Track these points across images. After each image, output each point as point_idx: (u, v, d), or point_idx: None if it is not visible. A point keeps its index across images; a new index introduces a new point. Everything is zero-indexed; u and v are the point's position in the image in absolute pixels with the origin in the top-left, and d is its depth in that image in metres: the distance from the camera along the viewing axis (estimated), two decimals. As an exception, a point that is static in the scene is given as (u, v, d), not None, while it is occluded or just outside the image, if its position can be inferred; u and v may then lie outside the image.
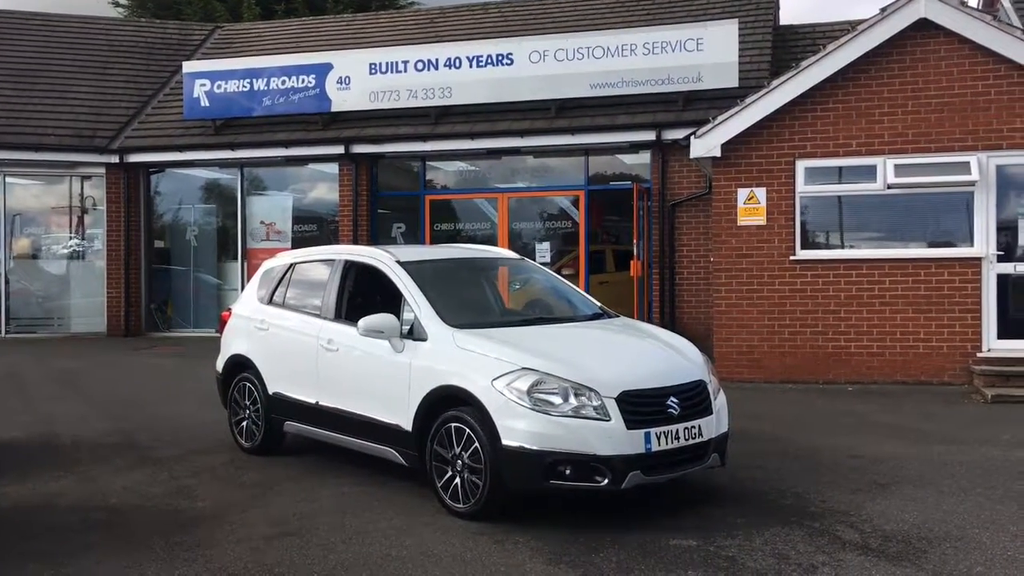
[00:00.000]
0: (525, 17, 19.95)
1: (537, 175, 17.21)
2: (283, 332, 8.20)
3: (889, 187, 11.61)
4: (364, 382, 7.26)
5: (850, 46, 11.57)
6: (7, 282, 18.58)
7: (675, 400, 6.26)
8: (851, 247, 12.05)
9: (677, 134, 14.49)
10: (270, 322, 8.38)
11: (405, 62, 16.53)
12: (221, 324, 9.21)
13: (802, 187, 12.03)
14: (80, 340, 17.83)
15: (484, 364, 6.34)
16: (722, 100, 14.09)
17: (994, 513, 6.35)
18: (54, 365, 14.44)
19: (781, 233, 12.07)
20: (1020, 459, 7.84)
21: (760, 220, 12.15)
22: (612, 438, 5.96)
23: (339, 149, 16.94)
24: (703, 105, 14.88)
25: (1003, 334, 11.33)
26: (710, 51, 14.87)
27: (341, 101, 16.92)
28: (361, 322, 6.99)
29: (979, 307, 11.34)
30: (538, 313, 8.36)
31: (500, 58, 16.00)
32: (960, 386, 11.23)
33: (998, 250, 11.36)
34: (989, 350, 11.32)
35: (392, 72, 16.59)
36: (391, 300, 7.23)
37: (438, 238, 16.84)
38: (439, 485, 6.50)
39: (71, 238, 19.14)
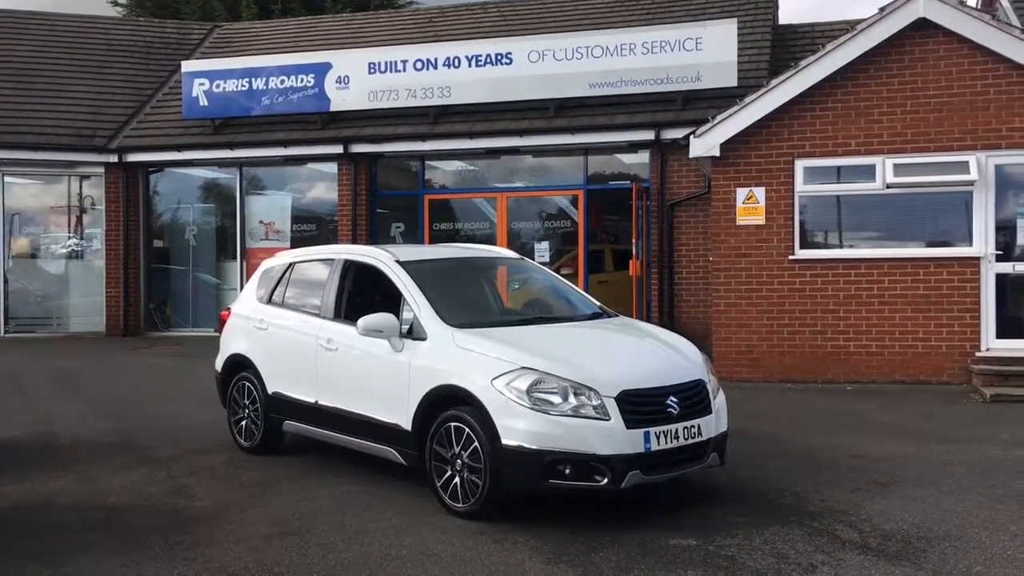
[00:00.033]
0: (524, 17, 19.95)
1: (536, 175, 17.21)
2: (282, 331, 8.20)
3: (888, 187, 11.61)
4: (363, 381, 7.26)
5: (849, 46, 11.57)
6: (6, 282, 18.57)
7: (674, 399, 6.26)
8: (850, 247, 12.05)
9: (676, 133, 14.49)
10: (269, 321, 8.38)
11: (404, 62, 16.53)
12: (220, 323, 9.21)
13: (801, 187, 12.03)
14: (79, 340, 17.83)
15: (483, 363, 6.33)
16: (721, 100, 14.09)
17: (993, 512, 6.35)
18: (53, 364, 14.43)
19: (780, 233, 12.07)
20: (1019, 458, 7.85)
21: (759, 220, 12.15)
22: (611, 437, 5.96)
23: (338, 149, 16.94)
24: (702, 105, 14.88)
25: (1002, 333, 11.34)
26: (709, 51, 14.87)
27: (340, 101, 16.91)
28: (360, 321, 6.99)
29: (978, 306, 11.35)
30: (537, 313, 8.36)
31: (499, 58, 16.00)
32: (959, 385, 11.23)
33: (997, 249, 11.36)
34: (988, 349, 11.32)
35: (391, 72, 16.58)
36: (390, 299, 7.22)
37: (437, 238, 16.84)
38: (438, 484, 6.50)
39: (70, 238, 19.13)
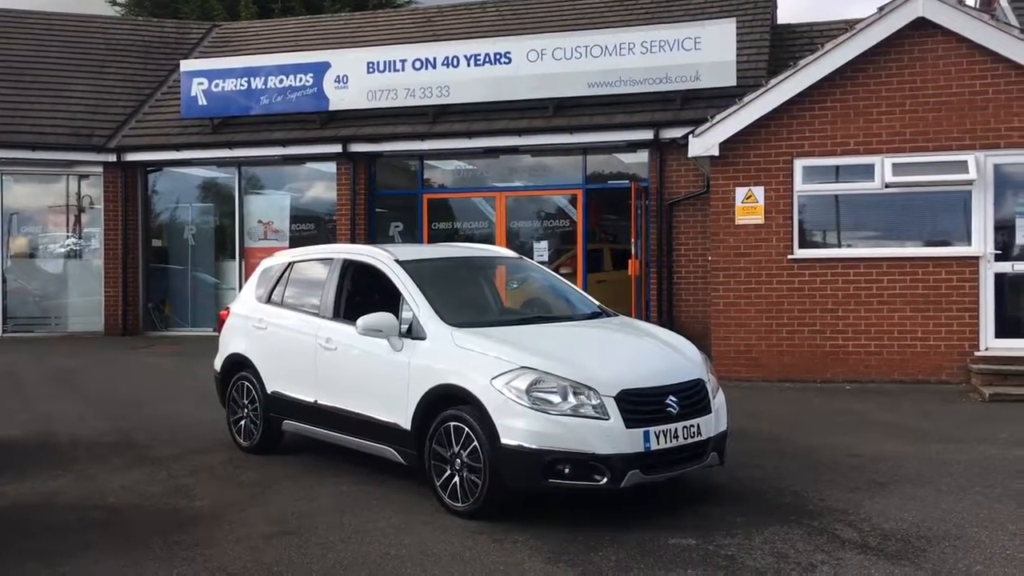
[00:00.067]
0: (523, 16, 19.94)
1: (535, 174, 17.21)
2: (281, 331, 8.20)
3: (887, 186, 11.62)
4: (363, 381, 7.26)
5: (848, 45, 11.58)
6: (4, 281, 18.56)
7: (674, 399, 6.26)
8: (849, 246, 12.06)
9: (675, 133, 14.48)
10: (268, 321, 8.38)
11: (403, 61, 16.52)
12: (219, 323, 9.21)
13: (800, 186, 12.03)
14: (78, 339, 17.82)
15: (483, 363, 6.33)
16: (720, 99, 14.08)
17: (992, 512, 6.36)
18: (52, 364, 14.42)
19: (779, 232, 12.07)
20: (1018, 457, 7.85)
21: (758, 219, 12.15)
22: (611, 437, 5.96)
23: (337, 148, 16.93)
24: (701, 104, 14.87)
25: (1000, 333, 11.35)
26: (708, 50, 14.87)
27: (339, 100, 16.91)
28: (360, 321, 6.99)
29: (976, 306, 11.35)
30: (536, 312, 8.37)
31: (498, 57, 16.00)
32: (957, 385, 11.24)
33: (995, 249, 11.37)
34: (987, 349, 11.33)
35: (390, 71, 16.58)
36: (390, 299, 7.22)
37: (436, 237, 16.84)
38: (438, 484, 6.50)
39: (68, 237, 19.12)
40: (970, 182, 11.30)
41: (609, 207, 17.28)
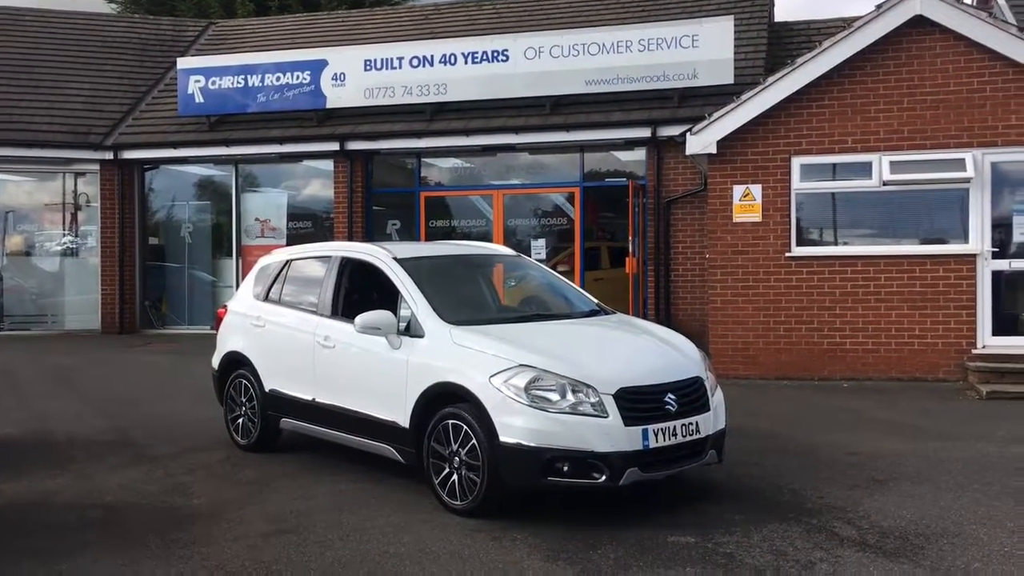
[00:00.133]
0: (520, 13, 19.92)
1: (532, 172, 17.20)
2: (279, 329, 8.19)
3: (884, 184, 11.62)
4: (361, 379, 7.25)
5: (846, 43, 11.57)
6: (1, 279, 18.53)
7: (672, 397, 6.26)
8: (846, 244, 12.07)
9: (672, 131, 14.49)
10: (266, 319, 8.37)
11: (400, 58, 16.50)
12: (217, 321, 9.19)
13: (798, 184, 12.03)
14: (74, 337, 17.79)
15: (481, 361, 6.33)
16: (718, 97, 14.08)
17: (991, 509, 6.36)
18: (48, 362, 14.40)
19: (776, 230, 12.08)
20: (1015, 455, 7.86)
21: (756, 217, 12.15)
22: (610, 435, 5.96)
23: (334, 146, 16.91)
24: (698, 102, 14.87)
25: (997, 331, 11.36)
26: (705, 48, 14.86)
27: (336, 97, 16.88)
28: (358, 319, 6.98)
29: (974, 304, 11.36)
30: (535, 310, 8.36)
31: (495, 54, 15.98)
32: (955, 382, 11.25)
33: (993, 247, 11.37)
34: (984, 346, 11.34)
35: (387, 68, 16.55)
36: (388, 297, 7.21)
37: (433, 235, 16.83)
38: (436, 482, 6.49)
39: (65, 235, 19.09)
40: (967, 180, 11.31)
41: (606, 205, 17.27)
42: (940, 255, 11.52)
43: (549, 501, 6.52)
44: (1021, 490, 6.81)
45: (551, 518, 6.22)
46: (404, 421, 6.73)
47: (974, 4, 15.98)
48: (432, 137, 16.40)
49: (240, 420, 8.46)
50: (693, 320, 14.75)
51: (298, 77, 17.06)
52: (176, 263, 18.95)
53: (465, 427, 6.27)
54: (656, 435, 6.07)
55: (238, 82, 17.42)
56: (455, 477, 6.35)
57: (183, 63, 18.19)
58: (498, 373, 6.17)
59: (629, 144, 15.83)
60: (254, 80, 17.32)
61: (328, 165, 17.51)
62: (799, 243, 12.09)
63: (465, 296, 7.86)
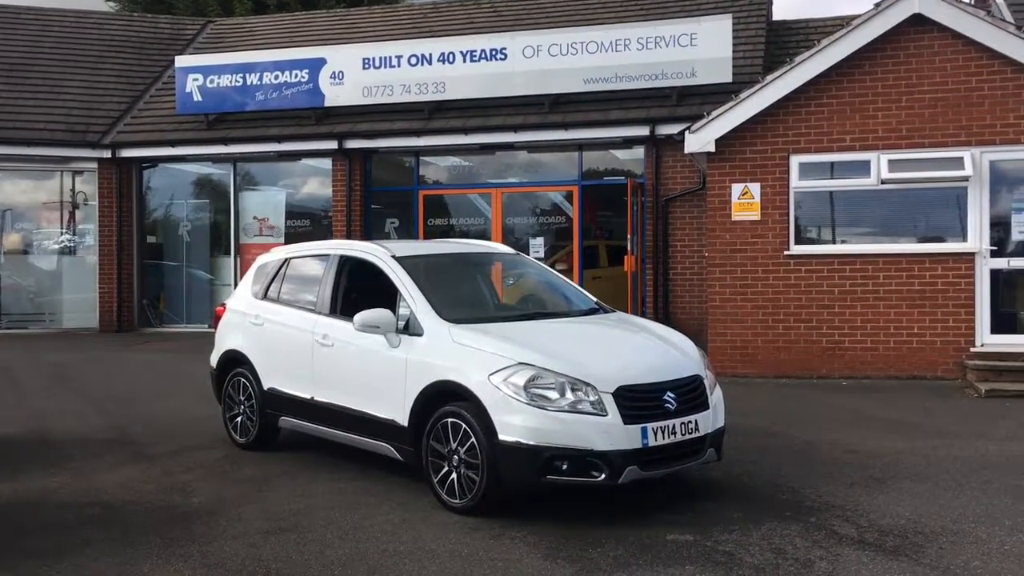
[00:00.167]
0: (518, 12, 19.91)
1: (530, 170, 17.20)
2: (278, 327, 8.18)
3: (883, 182, 11.62)
4: (359, 377, 7.24)
5: (844, 41, 11.57)
6: (-1, 278, 18.53)
7: (672, 395, 6.25)
8: (845, 242, 12.07)
9: (671, 129, 14.49)
10: (265, 317, 8.36)
11: (398, 57, 16.50)
12: (215, 319, 9.18)
13: (796, 182, 12.03)
14: (72, 336, 17.78)
15: (480, 359, 6.32)
16: (716, 95, 14.10)
17: (990, 507, 6.37)
18: (46, 361, 14.38)
19: (775, 228, 12.08)
20: (1014, 453, 7.87)
21: (754, 215, 12.15)
22: (609, 433, 5.95)
23: (332, 144, 16.90)
24: (697, 100, 14.88)
25: (996, 329, 11.36)
26: (704, 46, 14.86)
27: (334, 96, 16.88)
28: (357, 317, 6.97)
29: (972, 302, 11.37)
30: (533, 308, 8.33)
31: (494, 53, 15.97)
32: (953, 381, 11.26)
33: (991, 245, 11.38)
34: (982, 345, 11.34)
35: (385, 67, 16.55)
36: (386, 295, 7.20)
37: (432, 233, 16.84)
38: (435, 480, 6.49)
39: (63, 233, 19.08)
40: (966, 178, 11.31)
41: (605, 203, 17.28)
42: (938, 253, 11.52)
43: (548, 499, 6.51)
44: (1020, 488, 6.82)
45: (550, 516, 6.22)
46: (403, 419, 6.72)
47: (972, 3, 16.00)
48: (430, 135, 16.40)
49: (239, 418, 8.45)
50: (692, 318, 14.76)
51: (296, 75, 17.05)
52: (174, 261, 18.94)
53: (464, 425, 6.26)
54: (655, 433, 6.07)
55: (236, 80, 17.40)
56: (454, 475, 6.35)
57: (181, 61, 18.17)
58: (497, 371, 6.17)
59: (628, 142, 15.84)
60: (252, 78, 17.31)
61: (326, 163, 17.50)
62: (798, 241, 12.09)
63: (464, 294, 7.85)
